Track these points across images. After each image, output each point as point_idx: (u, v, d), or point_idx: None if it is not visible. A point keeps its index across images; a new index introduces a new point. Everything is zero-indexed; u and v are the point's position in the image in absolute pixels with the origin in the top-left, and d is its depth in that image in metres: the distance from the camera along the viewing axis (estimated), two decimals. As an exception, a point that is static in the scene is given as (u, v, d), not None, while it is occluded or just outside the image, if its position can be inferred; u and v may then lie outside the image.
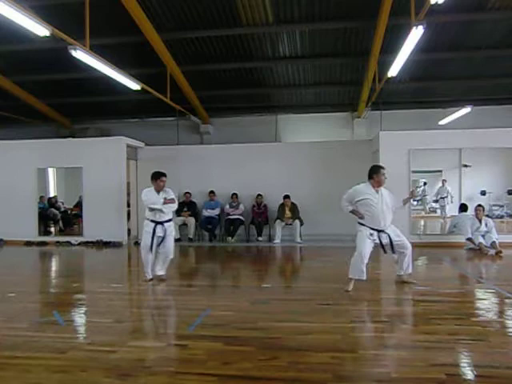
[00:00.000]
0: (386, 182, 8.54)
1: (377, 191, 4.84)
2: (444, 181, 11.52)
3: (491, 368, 2.68)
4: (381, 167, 4.97)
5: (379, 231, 4.78)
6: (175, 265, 6.37)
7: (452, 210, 8.48)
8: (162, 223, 5.40)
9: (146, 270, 5.46)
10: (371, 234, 4.78)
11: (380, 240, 4.79)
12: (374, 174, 4.85)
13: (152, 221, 5.39)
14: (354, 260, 4.80)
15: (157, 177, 5.44)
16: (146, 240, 5.39)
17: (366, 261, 4.73)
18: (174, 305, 4.53)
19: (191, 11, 8.15)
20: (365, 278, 4.75)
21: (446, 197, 11.71)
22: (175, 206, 5.58)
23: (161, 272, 5.54)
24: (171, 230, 5.52)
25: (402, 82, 10.58)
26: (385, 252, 4.91)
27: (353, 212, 4.89)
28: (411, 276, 5.06)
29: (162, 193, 5.45)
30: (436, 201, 13.99)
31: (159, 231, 5.38)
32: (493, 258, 7.08)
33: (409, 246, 4.95)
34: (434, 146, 8.53)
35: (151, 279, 5.46)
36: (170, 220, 5.51)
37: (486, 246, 7.43)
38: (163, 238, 5.39)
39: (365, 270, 4.73)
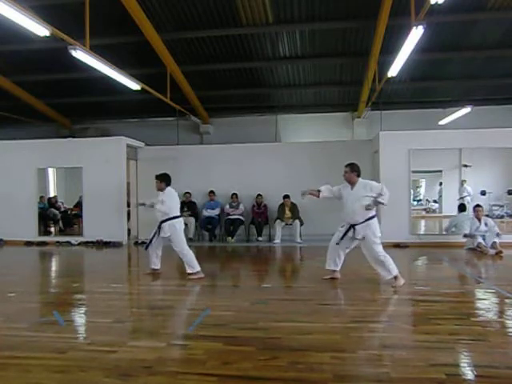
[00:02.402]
0: (387, 181, 8.61)
1: (351, 187, 5.04)
2: (463, 181, 11.45)
3: (491, 368, 2.68)
4: (345, 165, 5.15)
5: (351, 225, 5.00)
6: (175, 265, 6.37)
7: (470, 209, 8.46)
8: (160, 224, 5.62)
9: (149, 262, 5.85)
10: (342, 226, 5.12)
11: (351, 234, 5.01)
12: None
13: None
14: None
15: None
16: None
17: (333, 250, 5.19)
18: (174, 305, 4.53)
19: (191, 11, 8.16)
20: (330, 268, 5.26)
21: (465, 196, 11.59)
22: (159, 207, 5.60)
23: (152, 265, 5.82)
24: (165, 230, 5.57)
25: (401, 82, 10.59)
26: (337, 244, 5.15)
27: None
28: (392, 281, 4.96)
29: (161, 194, 5.67)
30: (435, 201, 14.02)
31: (160, 231, 5.63)
32: (493, 258, 7.08)
33: (375, 253, 4.90)
34: (434, 146, 8.53)
35: (153, 271, 5.84)
36: (166, 220, 5.57)
37: (485, 246, 7.43)
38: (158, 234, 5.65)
39: (333, 260, 5.23)
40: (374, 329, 3.52)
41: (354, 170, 5.05)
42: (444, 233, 8.89)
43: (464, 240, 7.81)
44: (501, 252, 7.21)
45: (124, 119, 12.90)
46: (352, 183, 5.04)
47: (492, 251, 7.31)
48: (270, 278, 6.10)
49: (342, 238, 5.07)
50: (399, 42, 6.93)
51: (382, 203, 4.89)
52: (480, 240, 7.51)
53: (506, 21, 8.37)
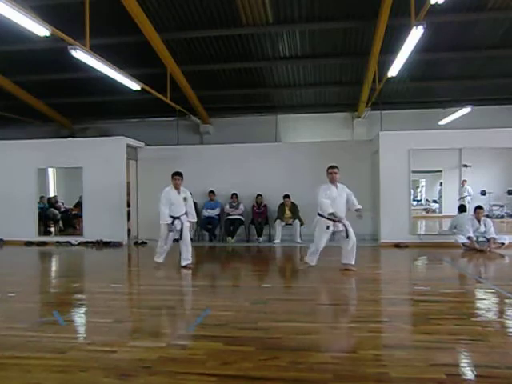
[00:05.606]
0: (387, 181, 8.68)
1: (336, 187, 5.74)
2: (464, 181, 11.45)
3: (491, 368, 2.67)
4: (330, 167, 5.78)
5: (335, 221, 5.62)
6: (175, 265, 6.37)
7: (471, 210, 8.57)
8: (178, 217, 6.17)
9: (158, 253, 6.44)
10: (328, 227, 5.63)
11: (334, 229, 5.65)
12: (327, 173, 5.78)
13: (171, 216, 6.14)
14: (311, 250, 5.88)
15: (172, 175, 6.22)
16: (163, 231, 6.21)
17: (320, 250, 5.83)
18: (174, 305, 4.53)
19: (191, 11, 8.16)
20: (314, 264, 5.89)
21: (466, 197, 11.54)
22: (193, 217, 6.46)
23: (185, 262, 6.22)
24: (187, 223, 6.27)
25: (401, 82, 10.58)
26: (332, 239, 5.82)
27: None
28: (354, 266, 5.77)
29: (182, 193, 6.19)
30: (435, 201, 14.01)
31: (177, 224, 6.17)
32: (493, 258, 7.08)
33: (354, 238, 5.69)
34: (434, 146, 8.53)
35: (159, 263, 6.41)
36: (185, 213, 6.24)
37: (477, 243, 7.61)
38: (181, 231, 6.13)
39: (317, 257, 5.88)
40: (374, 329, 3.52)
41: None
42: (447, 232, 8.88)
43: (465, 239, 7.82)
44: (490, 251, 7.39)
45: (124, 119, 12.89)
46: (335, 183, 5.73)
47: (484, 247, 7.51)
48: (269, 278, 6.09)
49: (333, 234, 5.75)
50: (399, 42, 6.93)
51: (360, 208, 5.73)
52: (463, 240, 7.71)
53: (506, 21, 8.37)
